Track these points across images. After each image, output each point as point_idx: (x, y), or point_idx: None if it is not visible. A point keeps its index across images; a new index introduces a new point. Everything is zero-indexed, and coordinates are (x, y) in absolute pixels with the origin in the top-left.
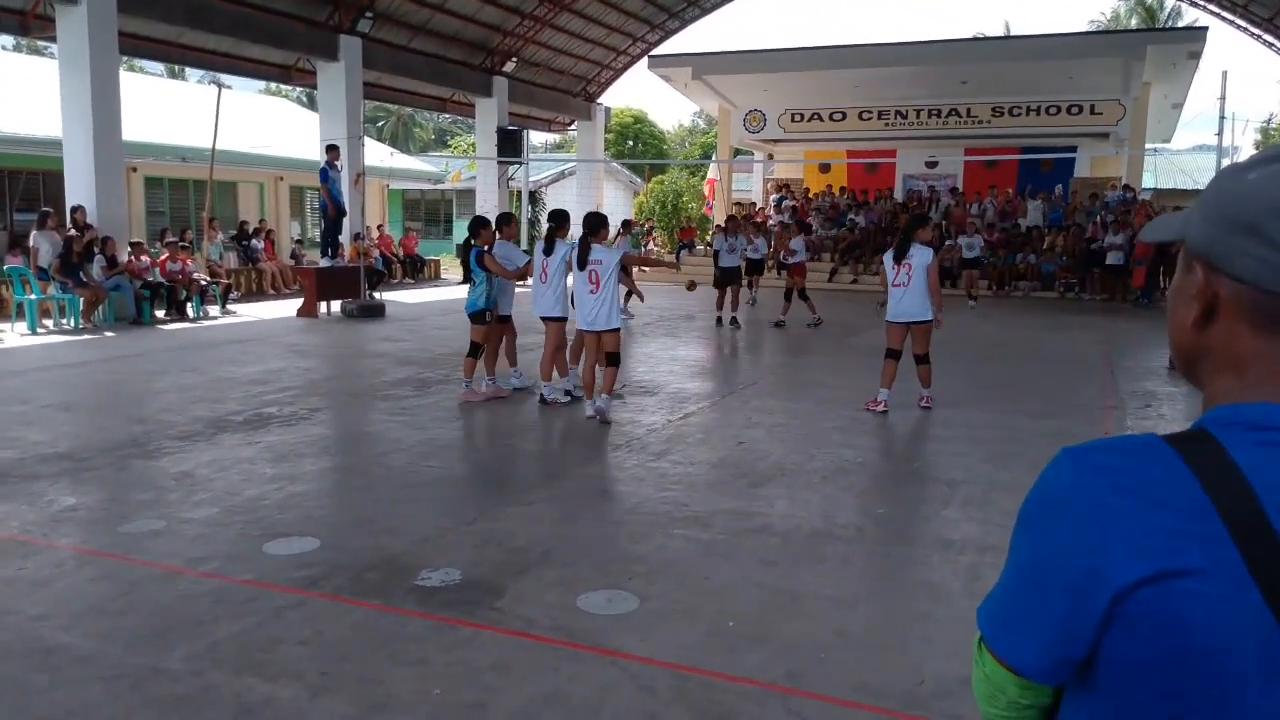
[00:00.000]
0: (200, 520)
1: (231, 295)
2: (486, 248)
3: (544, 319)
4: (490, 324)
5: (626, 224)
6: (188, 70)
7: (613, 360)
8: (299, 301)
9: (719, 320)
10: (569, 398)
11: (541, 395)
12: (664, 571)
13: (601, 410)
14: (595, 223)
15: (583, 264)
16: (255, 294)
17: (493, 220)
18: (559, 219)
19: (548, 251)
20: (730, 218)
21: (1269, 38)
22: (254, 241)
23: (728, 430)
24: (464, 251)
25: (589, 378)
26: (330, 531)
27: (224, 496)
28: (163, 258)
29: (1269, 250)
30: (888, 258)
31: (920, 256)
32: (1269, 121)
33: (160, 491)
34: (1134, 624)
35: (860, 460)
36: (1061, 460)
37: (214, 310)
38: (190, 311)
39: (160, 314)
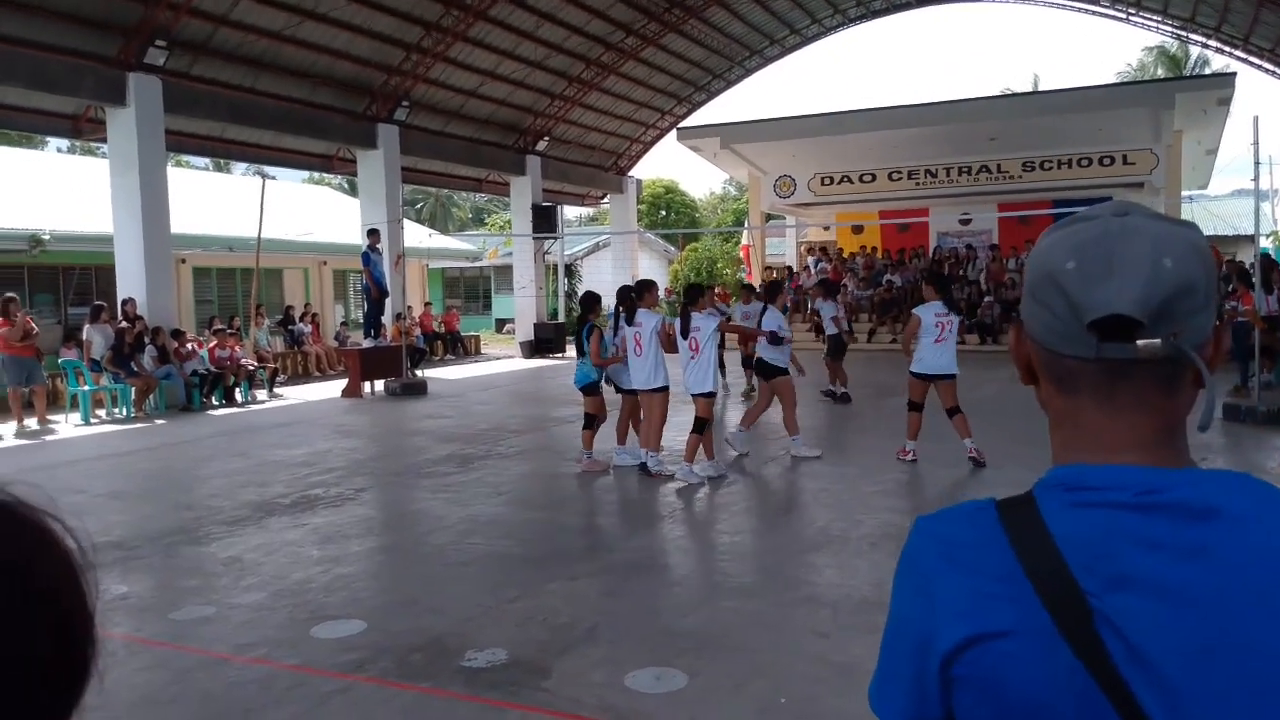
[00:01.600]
0: (248, 605)
1: (278, 379)
2: (596, 325)
3: (639, 391)
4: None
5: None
6: (233, 163)
7: (697, 426)
8: (344, 382)
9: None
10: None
11: (644, 465)
12: (712, 646)
13: (684, 477)
14: (695, 293)
15: (685, 331)
16: (301, 377)
17: (607, 296)
18: (642, 289)
19: (630, 321)
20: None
21: None
22: (299, 325)
23: (773, 497)
24: (579, 328)
25: (703, 441)
26: (376, 613)
27: (271, 580)
28: (211, 345)
29: (1044, 311)
30: (928, 313)
31: (955, 317)
32: None
33: (209, 577)
34: (965, 686)
35: (906, 525)
36: (913, 528)
37: (261, 394)
38: (239, 397)
39: (210, 400)
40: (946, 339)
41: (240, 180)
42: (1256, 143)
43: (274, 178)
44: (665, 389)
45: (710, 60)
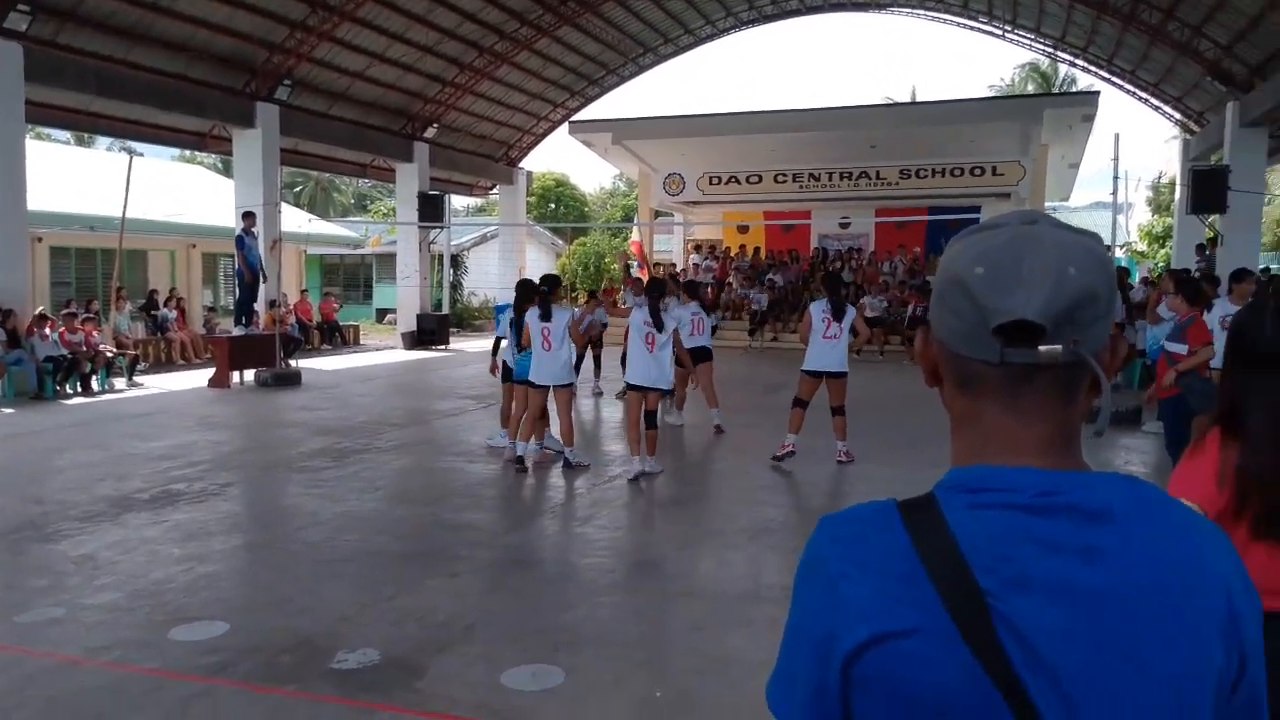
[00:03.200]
0: (102, 606)
1: (139, 366)
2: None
3: (537, 385)
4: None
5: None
6: (97, 137)
7: (651, 420)
8: (211, 372)
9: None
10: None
11: (519, 456)
12: (591, 642)
13: (652, 470)
14: (663, 287)
15: (660, 325)
16: (165, 365)
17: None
18: (553, 283)
19: (545, 317)
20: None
21: (1156, 101)
22: (164, 311)
23: (652, 493)
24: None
25: (636, 437)
26: (241, 614)
27: (128, 580)
28: (61, 329)
29: (951, 315)
30: (818, 310)
31: (850, 314)
32: (1159, 178)
33: (59, 576)
34: (867, 686)
35: (784, 519)
36: (816, 528)
37: (120, 383)
38: (96, 385)
39: (65, 388)
40: (836, 336)
41: (104, 156)
42: (1116, 158)
43: (141, 154)
44: (573, 384)
45: (604, 55)
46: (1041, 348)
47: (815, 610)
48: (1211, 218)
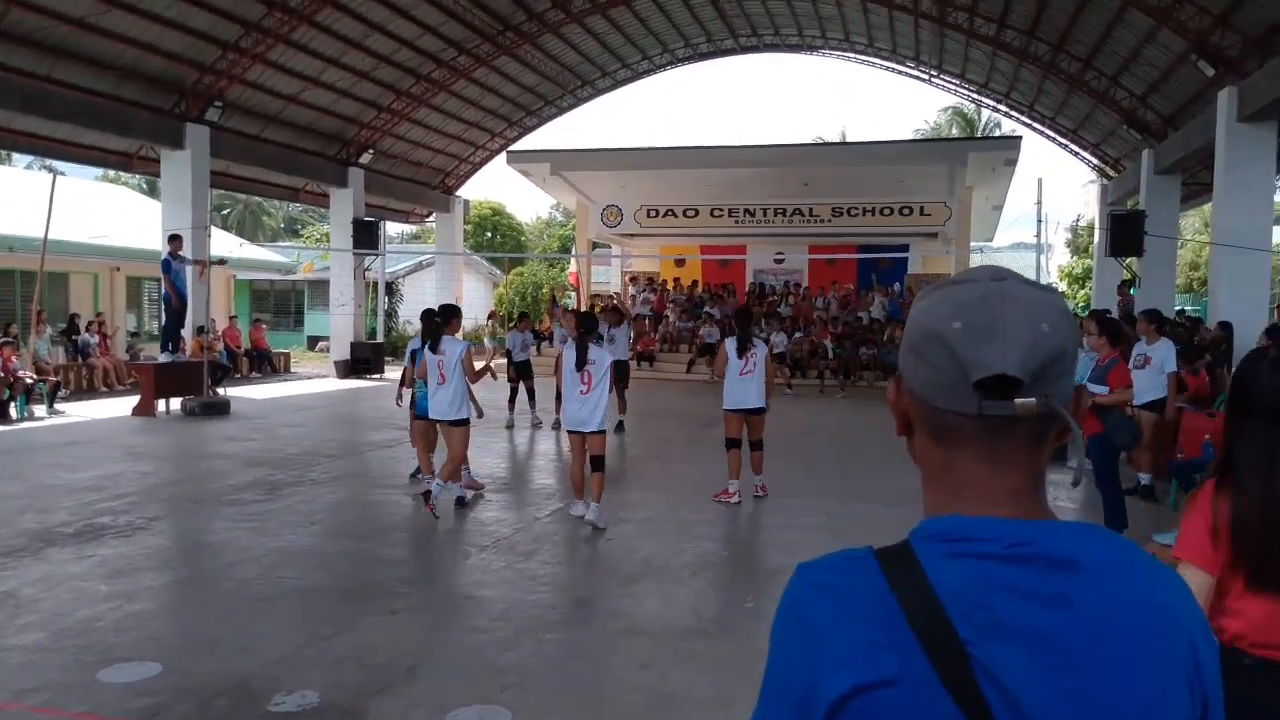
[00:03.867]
0: (26, 646)
1: (60, 393)
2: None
3: (433, 421)
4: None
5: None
6: (15, 155)
7: (597, 465)
8: (135, 400)
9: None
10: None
11: (428, 493)
12: (536, 680)
13: (594, 520)
14: (592, 323)
15: (581, 363)
16: (86, 391)
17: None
18: (448, 314)
19: (435, 349)
20: (614, 306)
21: (1075, 146)
22: (86, 335)
23: (594, 526)
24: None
25: (578, 479)
26: (173, 654)
27: (53, 619)
28: None
29: (927, 368)
30: (731, 346)
31: (761, 349)
32: (1077, 221)
33: None
34: None
35: (726, 554)
36: (793, 576)
37: (40, 410)
38: (14, 412)
39: None
40: (751, 371)
41: (24, 174)
42: (1039, 201)
43: (64, 174)
44: (466, 421)
45: (542, 86)
46: (1017, 400)
47: (796, 658)
48: (1129, 260)
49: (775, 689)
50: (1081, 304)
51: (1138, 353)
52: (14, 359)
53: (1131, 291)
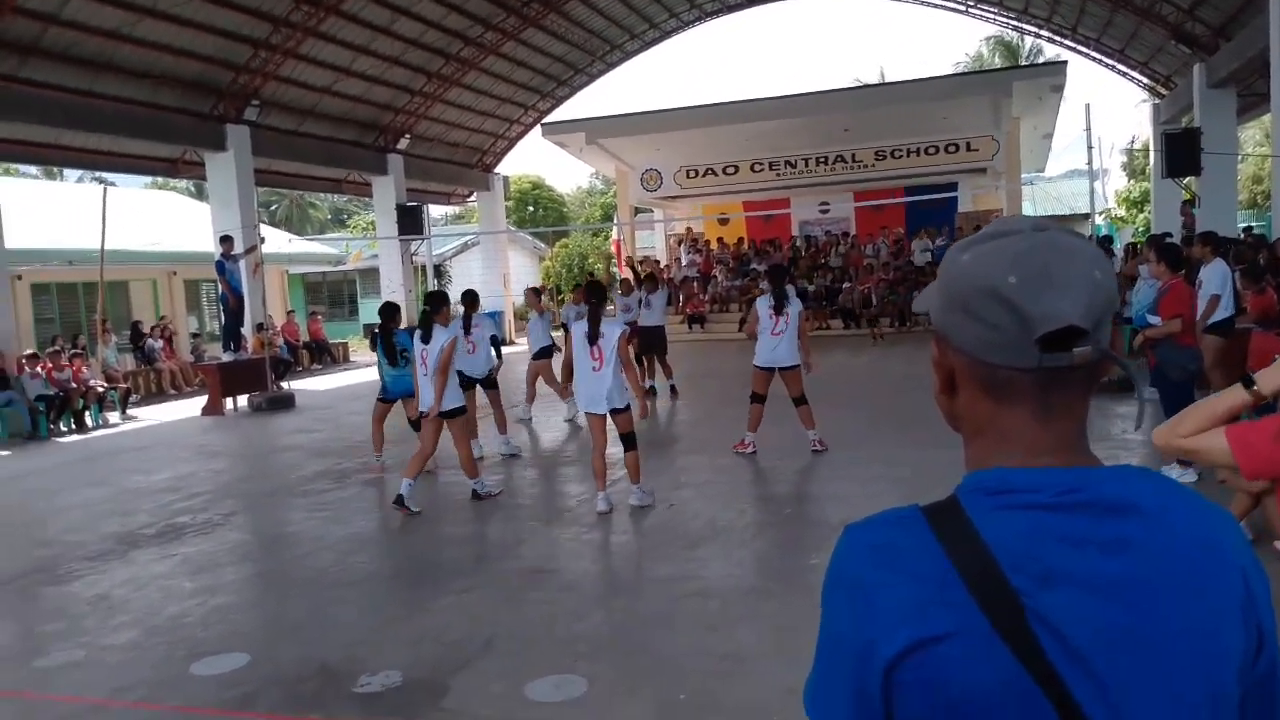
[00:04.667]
0: (121, 646)
1: (131, 399)
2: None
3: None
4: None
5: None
6: (66, 169)
7: (628, 443)
8: (203, 400)
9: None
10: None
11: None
12: (608, 649)
13: (638, 502)
14: (602, 292)
15: (594, 337)
16: (156, 395)
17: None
18: (437, 302)
19: (426, 339)
20: (650, 274)
21: (1123, 67)
22: (151, 341)
23: (657, 493)
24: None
25: (600, 467)
26: (259, 644)
27: (144, 617)
28: (47, 367)
29: (979, 325)
30: (763, 305)
31: (795, 305)
32: (1132, 143)
33: (75, 619)
34: (908, 691)
35: (788, 512)
36: (841, 537)
37: (114, 417)
38: (89, 421)
39: (58, 426)
40: (783, 332)
41: (76, 187)
42: (1088, 129)
43: (114, 184)
44: (463, 409)
45: (571, 55)
46: (1075, 350)
47: (851, 618)
48: (1187, 180)
49: (831, 650)
50: (1141, 228)
51: (1201, 276)
52: (84, 369)
53: (1194, 211)
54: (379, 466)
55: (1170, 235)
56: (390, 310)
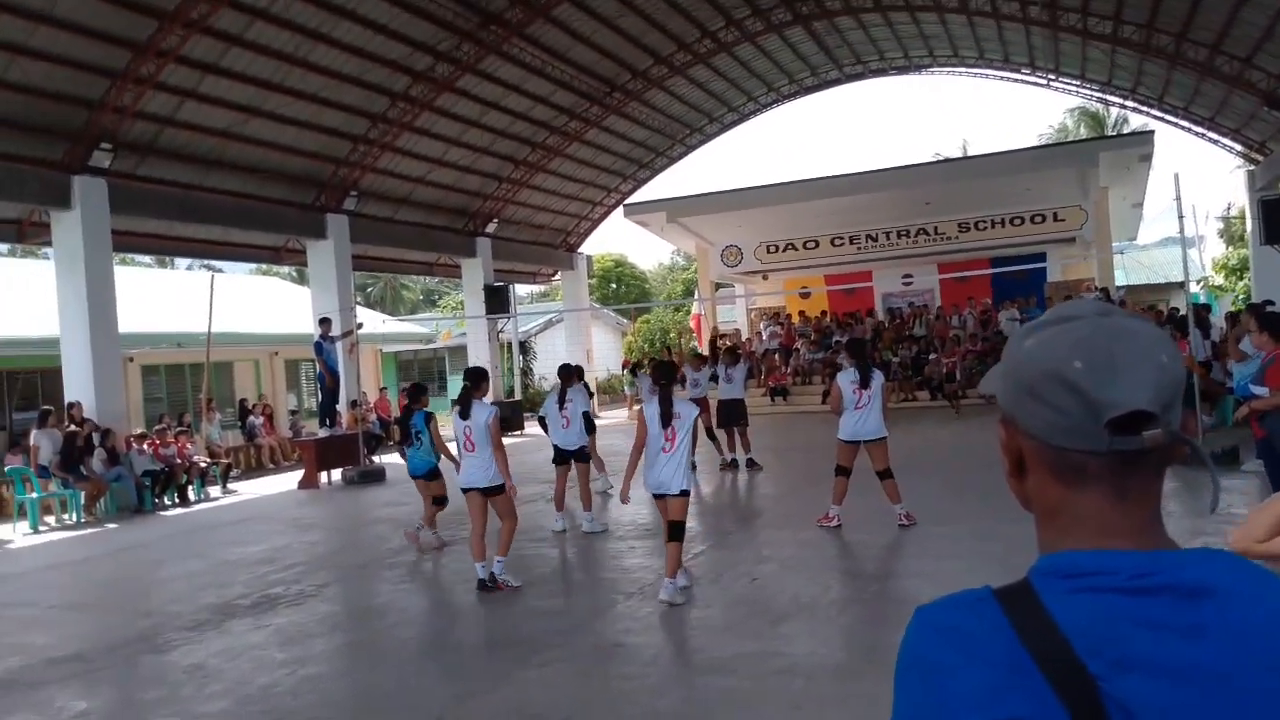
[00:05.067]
0: (214, 714)
1: (232, 474)
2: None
3: (468, 490)
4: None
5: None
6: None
7: (675, 532)
8: (299, 474)
9: (728, 461)
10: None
11: (482, 580)
12: None
13: (668, 599)
14: (671, 372)
15: (667, 419)
16: (256, 469)
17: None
18: (475, 378)
19: (464, 415)
20: (731, 347)
21: (1214, 135)
22: (252, 418)
23: (740, 567)
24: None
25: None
26: (347, 714)
27: (236, 687)
28: (155, 444)
29: (1048, 410)
30: (845, 380)
31: (878, 377)
32: (1228, 210)
33: (172, 687)
34: None
35: (875, 588)
36: (912, 619)
37: (215, 491)
38: (192, 495)
39: (163, 500)
40: (867, 405)
41: (186, 275)
42: (1178, 197)
43: (221, 270)
44: (502, 488)
45: (652, 139)
46: (1146, 433)
47: (924, 703)
48: None
49: None
50: (1242, 295)
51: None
52: (189, 445)
53: None
54: (430, 540)
55: (1272, 303)
56: (416, 392)
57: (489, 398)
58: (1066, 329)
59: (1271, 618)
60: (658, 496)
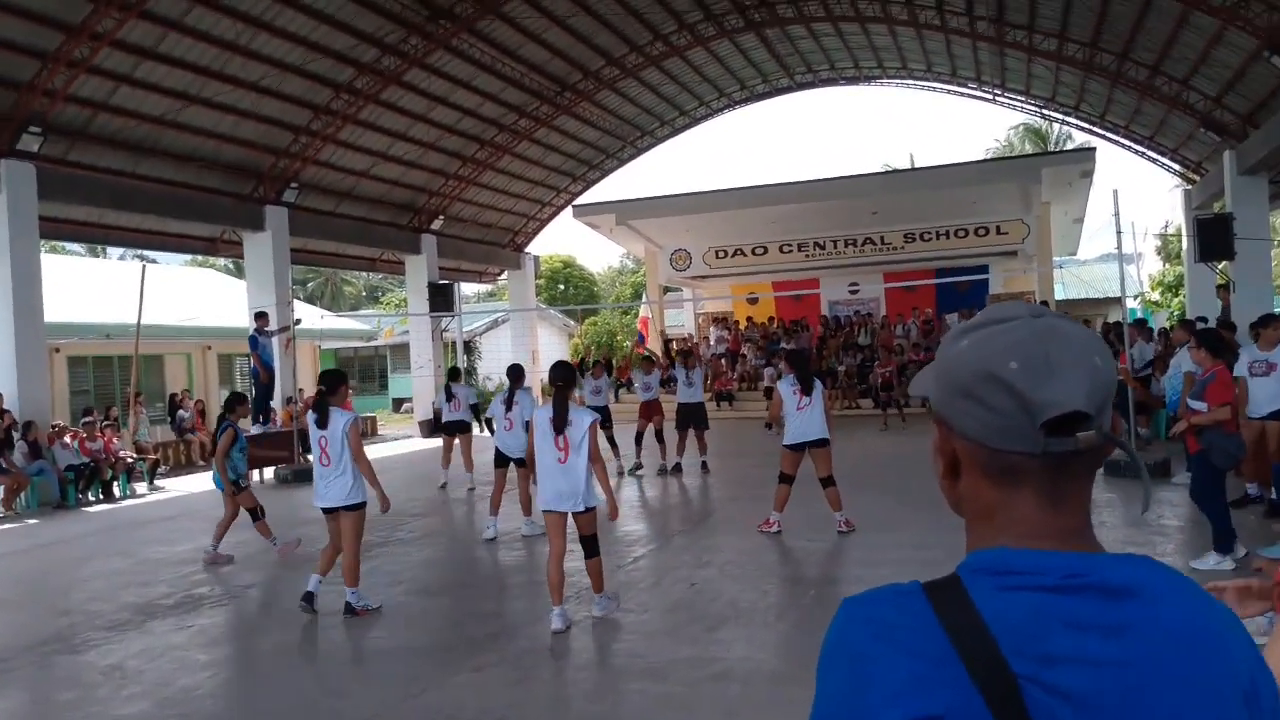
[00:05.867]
0: (132, 716)
1: (160, 470)
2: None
3: (326, 511)
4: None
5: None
6: (109, 247)
7: (590, 547)
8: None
9: (670, 467)
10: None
11: (309, 592)
12: None
13: (601, 613)
14: (570, 375)
15: (560, 425)
16: (185, 467)
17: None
18: (333, 381)
19: (321, 424)
20: (686, 350)
21: (1153, 154)
22: (182, 412)
23: (679, 572)
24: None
25: (556, 579)
26: (269, 718)
27: (155, 689)
28: (80, 437)
29: (982, 410)
30: (786, 386)
31: (819, 387)
32: (1165, 227)
33: (87, 689)
34: None
35: (813, 594)
36: (840, 609)
37: (141, 488)
38: (117, 491)
39: (87, 496)
40: (808, 407)
41: (117, 265)
42: (1117, 214)
43: (154, 261)
44: (363, 505)
45: (603, 140)
46: (1079, 435)
47: (845, 693)
48: (1222, 264)
49: None
50: (1177, 311)
51: (1254, 359)
52: (115, 440)
53: (1231, 295)
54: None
55: (1205, 319)
56: (231, 401)
57: (433, 397)
58: (1001, 330)
59: (1190, 617)
60: (549, 512)
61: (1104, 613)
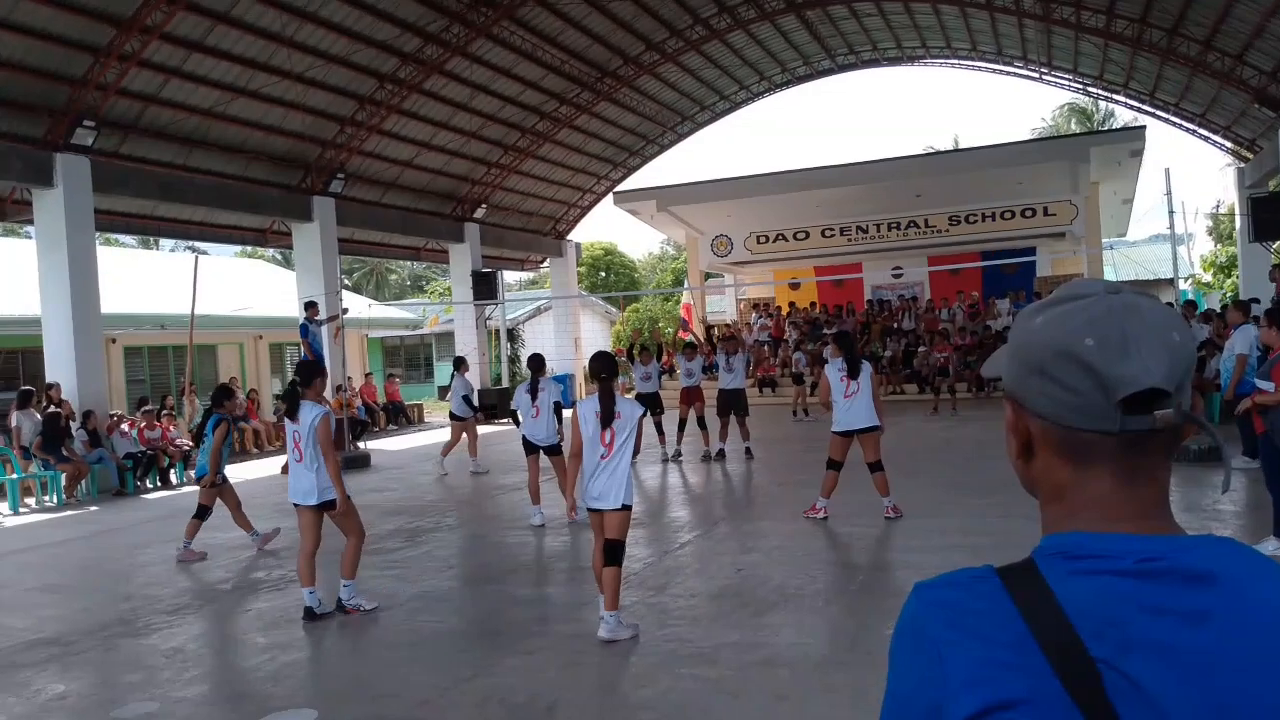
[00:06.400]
0: (193, 699)
1: None
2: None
3: (298, 506)
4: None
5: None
6: (161, 239)
7: (613, 554)
8: (283, 459)
9: (713, 453)
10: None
11: (309, 608)
12: (673, 716)
13: (607, 636)
14: (613, 366)
15: (607, 419)
16: (239, 454)
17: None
18: (306, 373)
19: (292, 416)
20: (731, 335)
21: (1204, 131)
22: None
23: (725, 558)
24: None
25: (601, 571)
26: (327, 700)
27: (216, 671)
28: (139, 426)
29: (1058, 389)
30: (833, 371)
31: (866, 367)
32: (1217, 207)
33: (151, 671)
34: None
35: (861, 579)
36: (910, 596)
37: None
38: (174, 478)
39: (145, 484)
40: (855, 394)
41: (170, 256)
42: (1169, 193)
43: (206, 252)
44: (333, 502)
45: (644, 126)
46: (1158, 413)
47: (919, 680)
48: (1277, 244)
49: (898, 710)
50: (1229, 293)
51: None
52: (172, 429)
53: None
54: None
55: (1258, 300)
56: (219, 395)
57: (477, 384)
58: (1077, 306)
59: (1270, 605)
60: (592, 511)
61: (1184, 598)
